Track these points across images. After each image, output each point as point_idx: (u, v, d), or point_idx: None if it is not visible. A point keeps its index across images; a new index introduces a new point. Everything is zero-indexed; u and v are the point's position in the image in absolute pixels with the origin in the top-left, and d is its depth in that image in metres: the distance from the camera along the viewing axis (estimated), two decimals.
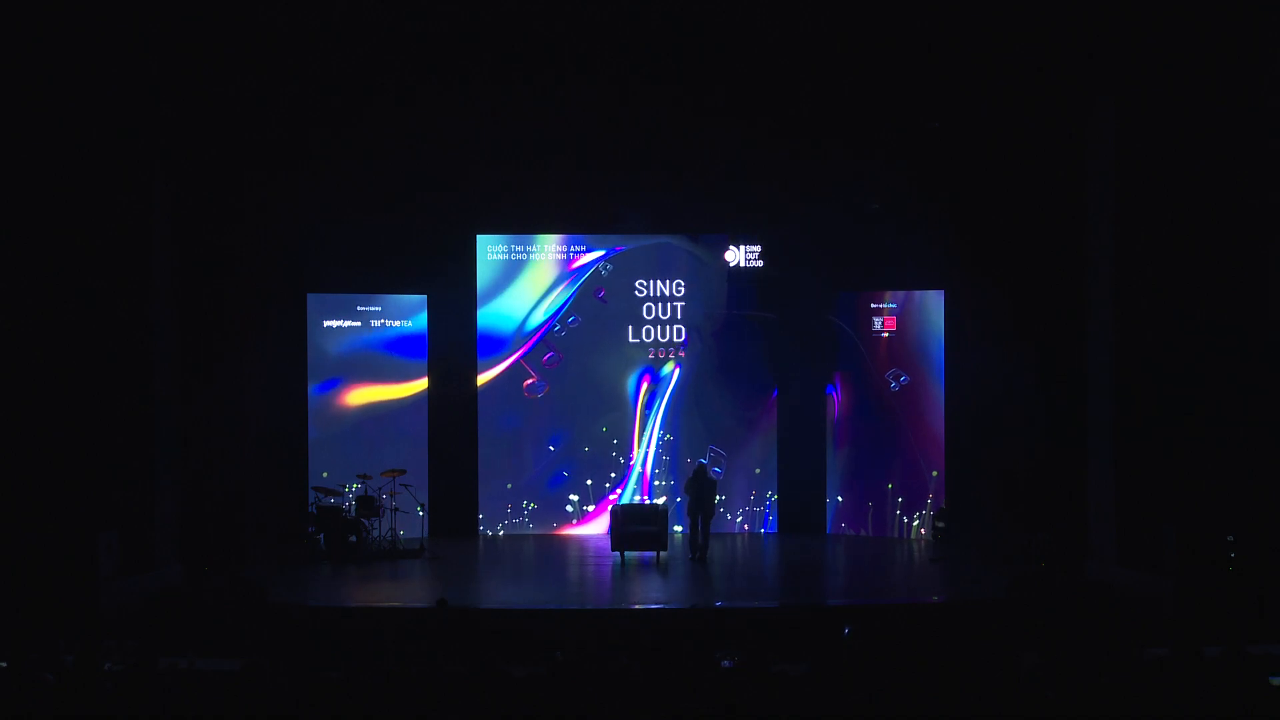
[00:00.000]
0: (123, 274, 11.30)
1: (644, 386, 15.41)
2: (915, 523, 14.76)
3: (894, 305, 14.99)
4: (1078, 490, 12.33)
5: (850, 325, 15.21)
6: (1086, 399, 12.16)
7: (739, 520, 15.36)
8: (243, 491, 13.19)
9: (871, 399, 15.04)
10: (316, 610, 10.82)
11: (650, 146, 13.82)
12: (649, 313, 15.41)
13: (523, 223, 15.24)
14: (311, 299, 14.81)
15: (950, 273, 14.46)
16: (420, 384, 15.18)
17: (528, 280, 15.32)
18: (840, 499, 15.24)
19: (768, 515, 15.38)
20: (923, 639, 8.06)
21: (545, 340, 15.34)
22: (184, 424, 12.40)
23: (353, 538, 13.49)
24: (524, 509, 15.27)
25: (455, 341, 15.17)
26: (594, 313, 15.38)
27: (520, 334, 15.31)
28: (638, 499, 15.12)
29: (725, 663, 7.15)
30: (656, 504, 14.41)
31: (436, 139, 13.53)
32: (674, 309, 15.41)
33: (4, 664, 6.95)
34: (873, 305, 15.09)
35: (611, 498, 15.16)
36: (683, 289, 15.40)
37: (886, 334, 15.01)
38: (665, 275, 15.39)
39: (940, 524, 14.34)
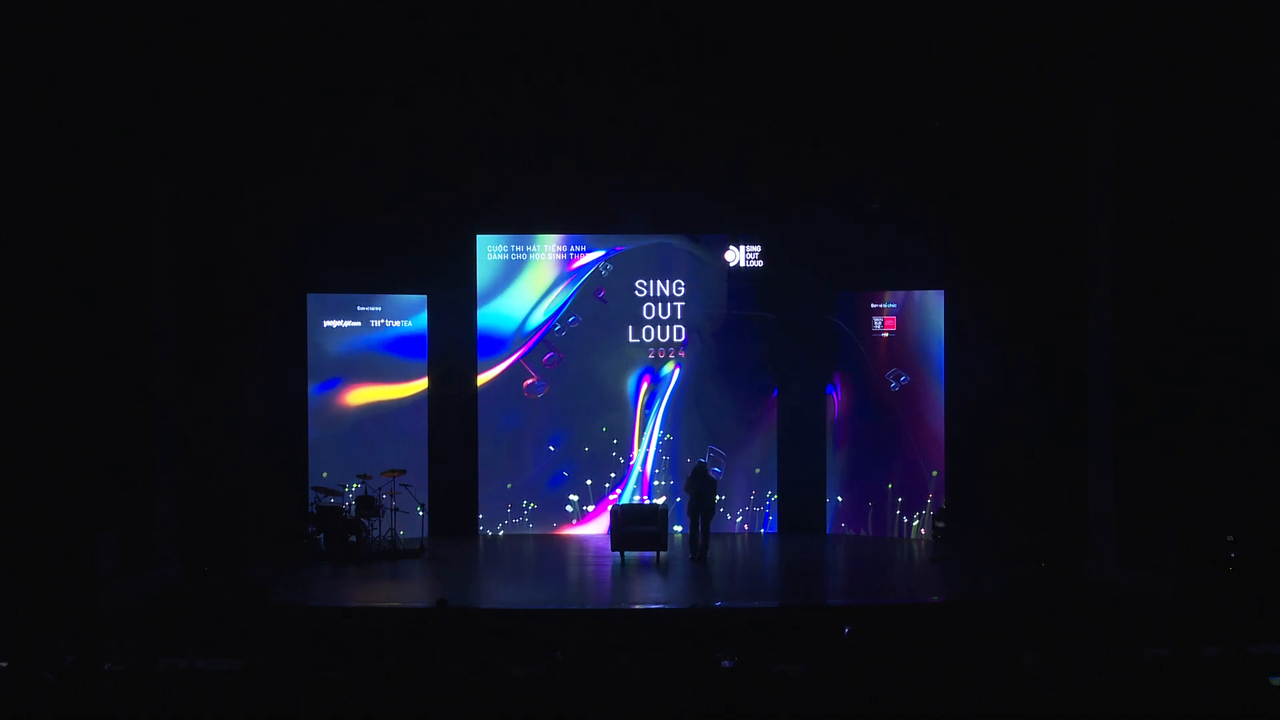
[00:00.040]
0: (123, 274, 11.30)
1: (644, 386, 15.41)
2: (915, 523, 14.77)
3: (894, 305, 14.99)
4: (1078, 490, 12.33)
5: (850, 325, 15.21)
6: (1086, 399, 12.16)
7: (739, 520, 15.37)
8: (243, 491, 13.19)
9: (871, 399, 15.04)
10: (316, 610, 10.82)
11: (650, 146, 13.82)
12: (649, 313, 15.41)
13: (523, 223, 15.24)
14: (311, 299, 14.81)
15: (950, 273, 14.46)
16: (420, 384, 15.18)
17: (528, 280, 15.32)
18: (840, 499, 15.24)
19: (768, 515, 15.38)
20: (923, 639, 8.07)
21: (545, 340, 15.34)
22: (184, 424, 12.40)
23: (353, 538, 13.49)
24: (524, 509, 15.28)
25: (455, 341, 15.17)
26: (594, 313, 15.39)
27: (520, 334, 15.31)
28: (638, 499, 15.12)
29: (725, 663, 7.15)
30: (656, 504, 14.41)
31: (436, 139, 13.53)
32: (674, 309, 15.41)
33: (4, 664, 6.95)
34: (873, 305, 15.09)
35: (611, 498, 15.16)
36: (683, 289, 15.40)
37: (886, 334, 15.01)
38: (665, 275, 15.39)
39: (940, 524, 14.35)
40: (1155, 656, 7.19)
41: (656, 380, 15.42)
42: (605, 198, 14.84)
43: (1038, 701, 6.29)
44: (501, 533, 15.20)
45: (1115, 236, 11.51)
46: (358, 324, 15.04)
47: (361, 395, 14.97)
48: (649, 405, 15.39)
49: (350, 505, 13.96)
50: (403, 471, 14.07)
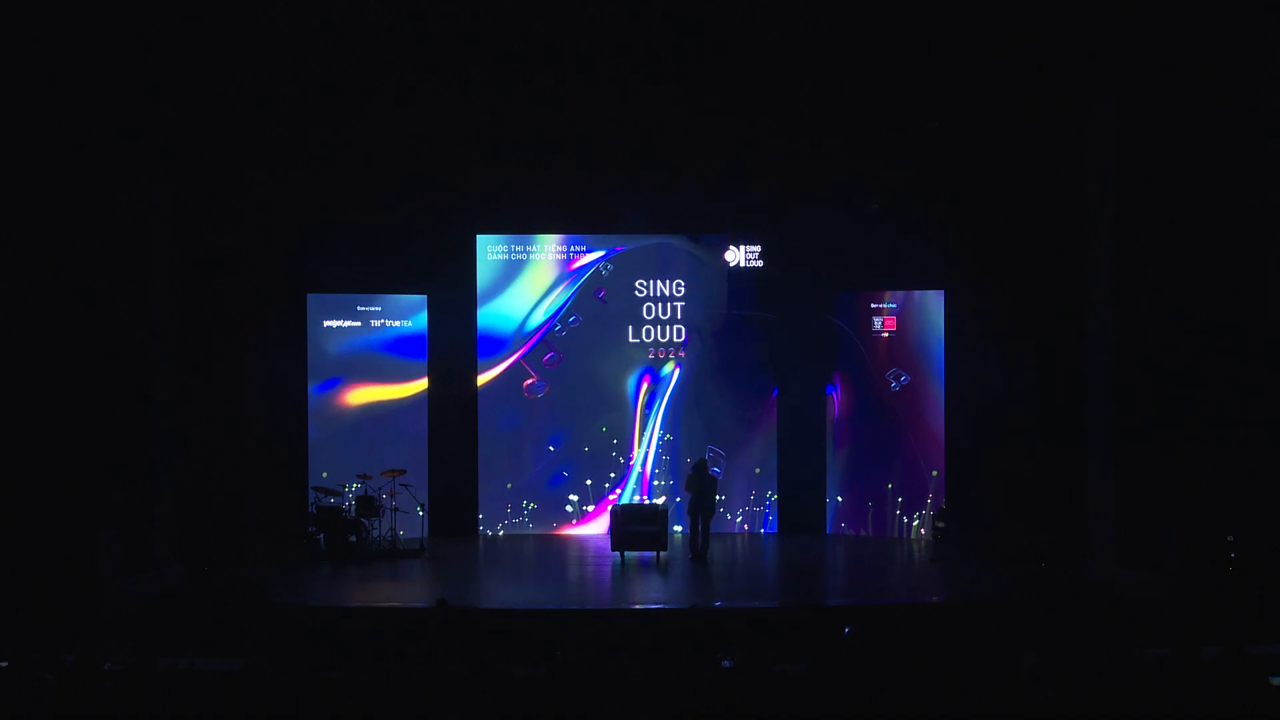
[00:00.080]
0: (123, 274, 11.29)
1: (644, 386, 15.41)
2: (915, 523, 14.77)
3: (894, 305, 14.99)
4: (1078, 490, 12.33)
5: (850, 325, 15.21)
6: (1086, 399, 12.16)
7: (739, 520, 15.36)
8: (243, 491, 13.19)
9: (871, 399, 15.04)
10: (316, 610, 10.82)
11: (650, 146, 13.82)
12: (649, 313, 15.41)
13: (523, 223, 15.24)
14: (311, 299, 14.81)
15: (950, 273, 14.45)
16: (420, 384, 15.18)
17: (528, 280, 15.32)
18: (840, 499, 15.24)
19: (768, 515, 15.38)
20: (923, 639, 8.06)
21: (545, 340, 15.34)
22: (184, 424, 12.40)
23: (353, 538, 13.49)
24: (524, 509, 15.28)
25: (455, 341, 15.17)
26: (594, 313, 15.39)
27: (520, 334, 15.31)
28: (637, 499, 15.12)
29: (725, 663, 7.15)
30: (656, 504, 14.41)
31: (436, 139, 13.52)
32: (674, 309, 15.41)
33: (4, 664, 6.95)
34: (873, 305, 15.09)
35: (611, 498, 15.16)
36: (683, 289, 15.40)
37: (886, 334, 15.01)
38: (665, 275, 15.39)
39: (940, 524, 14.35)
40: (1155, 656, 7.19)
41: (656, 380, 15.42)
42: (605, 198, 14.84)
43: (1038, 701, 6.29)
44: (501, 533, 15.20)
45: (1115, 236, 11.51)
46: (358, 324, 15.04)
47: (361, 395, 14.97)
48: (649, 405, 15.39)
49: (350, 505, 13.96)
50: (403, 471, 14.07)
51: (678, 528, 14.65)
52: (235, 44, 11.23)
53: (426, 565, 13.18)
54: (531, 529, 15.25)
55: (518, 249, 15.31)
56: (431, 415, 15.15)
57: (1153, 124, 11.13)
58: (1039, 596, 10.63)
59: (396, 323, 15.13)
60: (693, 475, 13.56)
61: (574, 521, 15.30)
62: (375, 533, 13.78)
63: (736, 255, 15.28)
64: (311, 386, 14.80)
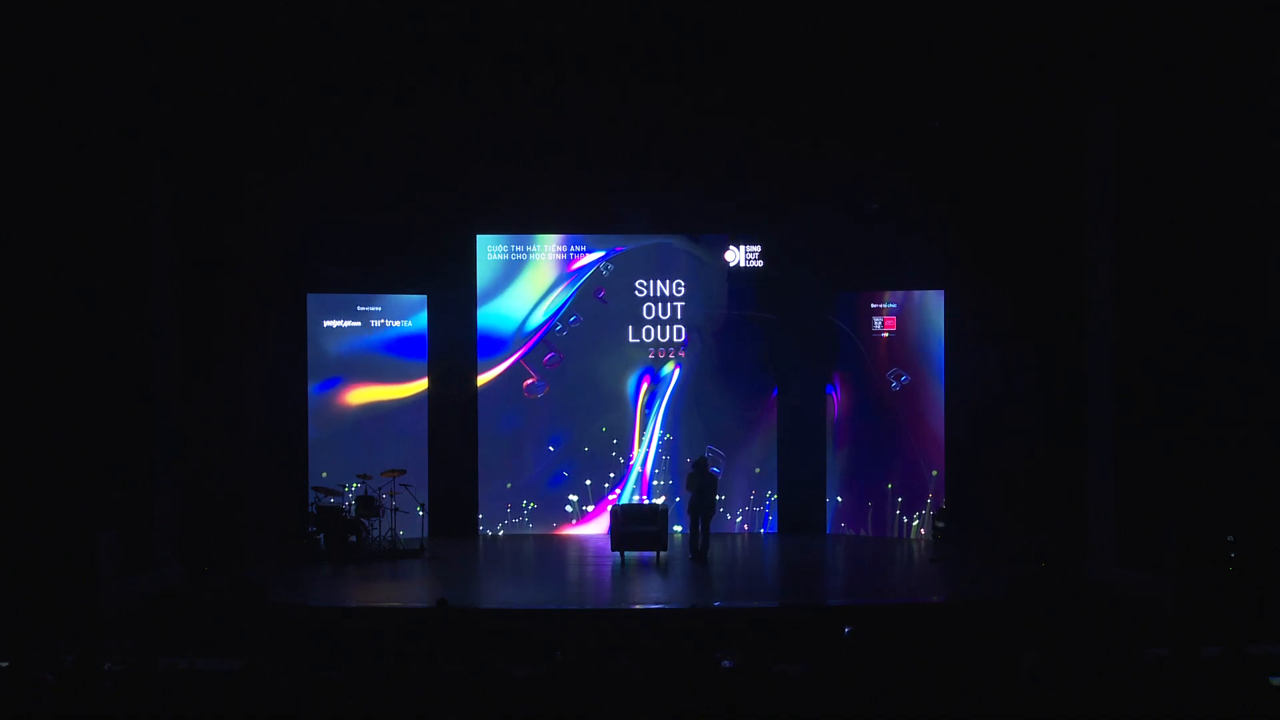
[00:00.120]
0: (123, 274, 11.29)
1: (644, 386, 15.41)
2: (915, 523, 14.77)
3: (894, 305, 14.99)
4: (1078, 490, 12.33)
5: (850, 325, 15.21)
6: (1086, 399, 12.16)
7: (739, 520, 15.36)
8: (243, 491, 13.19)
9: (871, 399, 15.04)
10: (316, 610, 10.82)
11: (650, 146, 13.82)
12: (649, 313, 15.41)
13: (523, 223, 15.23)
14: (311, 299, 14.81)
15: (950, 273, 14.45)
16: (420, 384, 15.18)
17: (528, 280, 15.32)
18: (840, 499, 15.24)
19: (768, 515, 15.38)
20: (923, 639, 8.06)
21: (546, 340, 15.34)
22: (184, 424, 12.39)
23: (353, 538, 13.49)
24: (524, 509, 15.28)
25: (455, 341, 15.17)
26: (594, 313, 15.39)
27: (520, 334, 15.31)
28: (637, 499, 15.12)
29: (725, 663, 7.15)
30: (656, 504, 14.41)
31: (436, 139, 13.52)
32: (674, 309, 15.41)
33: (4, 664, 6.95)
34: (873, 305, 15.09)
35: (611, 498, 15.16)
36: (683, 289, 15.40)
37: (886, 334, 15.01)
38: (665, 275, 15.39)
39: (940, 524, 14.34)
40: (1155, 656, 7.19)
41: (656, 380, 15.42)
42: (605, 198, 14.84)
43: (1038, 701, 6.29)
44: (501, 533, 15.20)
45: (1115, 236, 11.51)
46: (358, 324, 15.04)
47: (361, 395, 14.97)
48: (649, 405, 15.39)
49: (350, 505, 13.96)
50: (403, 471, 14.07)
51: (678, 528, 14.65)
52: (235, 44, 11.23)
53: (426, 565, 13.18)
54: (531, 529, 15.25)
55: (518, 249, 15.31)
56: (431, 415, 15.15)
57: (1153, 124, 11.13)
58: (1039, 596, 10.63)
59: (396, 323, 15.13)
60: (693, 473, 13.56)
61: (574, 521, 15.30)
62: (375, 533, 13.78)
63: (736, 255, 15.28)
64: (311, 386, 14.80)
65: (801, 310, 15.17)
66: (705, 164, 14.23)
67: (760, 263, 15.25)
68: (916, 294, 14.88)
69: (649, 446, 15.36)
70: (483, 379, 15.24)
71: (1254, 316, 10.89)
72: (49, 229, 10.88)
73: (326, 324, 14.94)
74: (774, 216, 15.07)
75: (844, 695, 6.29)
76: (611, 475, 15.34)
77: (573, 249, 15.35)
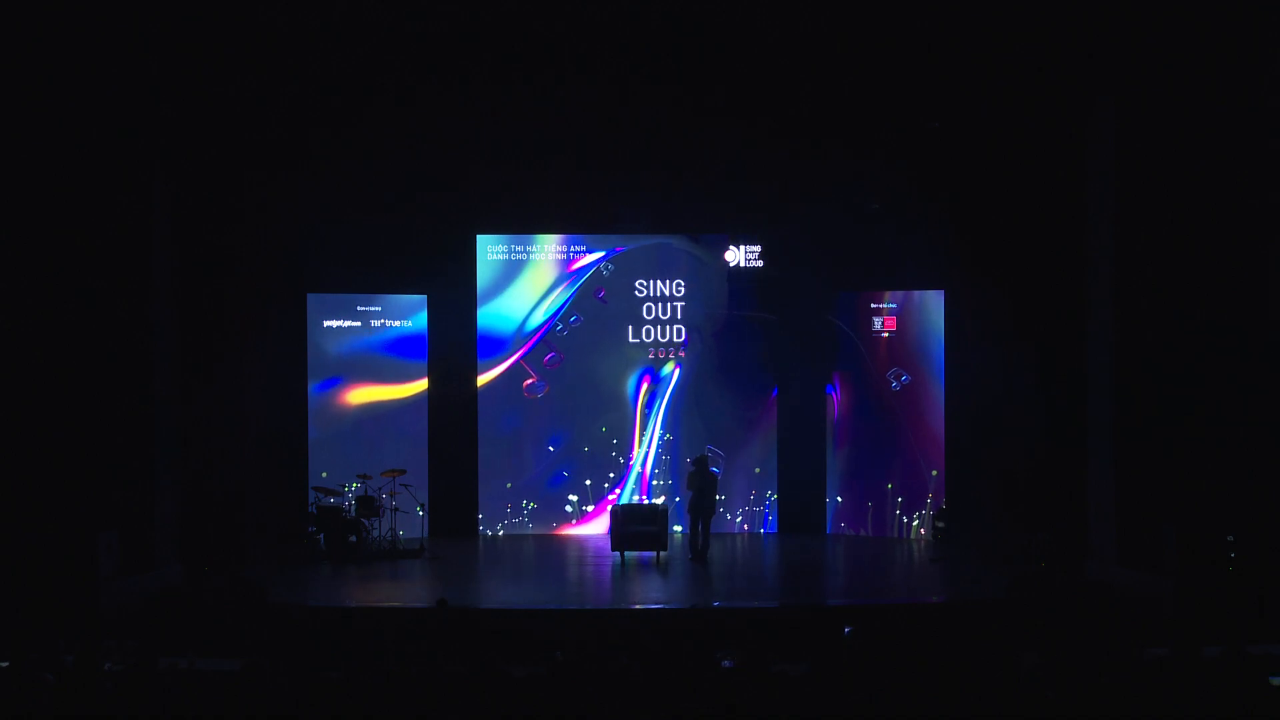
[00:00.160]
0: (123, 274, 11.29)
1: (644, 386, 15.41)
2: (915, 523, 14.77)
3: (894, 305, 14.99)
4: (1078, 490, 12.33)
5: (850, 325, 15.21)
6: (1086, 399, 12.16)
7: (739, 520, 15.36)
8: (243, 491, 13.19)
9: (871, 399, 15.04)
10: (316, 610, 10.82)
11: (650, 146, 13.82)
12: (649, 313, 15.41)
13: (523, 223, 15.23)
14: (311, 299, 14.81)
15: (950, 273, 14.45)
16: (420, 384, 15.18)
17: (528, 280, 15.32)
18: (840, 499, 15.24)
19: (767, 515, 15.38)
20: (923, 639, 8.07)
21: (546, 340, 15.34)
22: (184, 424, 12.40)
23: (353, 538, 13.49)
24: (524, 509, 15.28)
25: (455, 341, 15.17)
26: (594, 313, 15.39)
27: (520, 334, 15.31)
28: (637, 499, 15.12)
29: (725, 663, 7.15)
30: (656, 504, 14.41)
31: (436, 139, 13.52)
32: (674, 309, 15.41)
33: (4, 664, 6.95)
34: (873, 305, 15.09)
35: (611, 498, 15.16)
36: (683, 289, 15.40)
37: (886, 334, 15.01)
38: (665, 275, 15.39)
39: (940, 524, 14.34)
40: (1155, 656, 7.19)
41: (656, 380, 15.42)
42: (605, 198, 14.84)
43: (1038, 701, 6.29)
44: (501, 533, 15.20)
45: (1115, 236, 11.51)
46: (358, 324, 15.04)
47: (361, 395, 14.97)
48: (649, 405, 15.39)
49: (350, 505, 13.96)
50: (403, 471, 14.07)
51: (678, 528, 14.65)
52: (235, 44, 11.23)
53: (426, 565, 13.18)
54: (531, 529, 15.25)
55: (518, 249, 15.31)
56: (431, 415, 15.15)
57: (1153, 124, 11.13)
58: (1039, 596, 10.63)
59: (396, 323, 15.13)
60: (694, 472, 13.56)
61: (574, 521, 15.31)
62: (375, 533, 13.78)
63: (736, 255, 15.28)
64: (311, 386, 14.80)
65: (801, 310, 15.17)
66: (705, 164, 14.23)
67: (760, 263, 15.25)
68: (916, 294, 14.88)
69: (649, 446, 15.36)
70: (483, 379, 15.24)
71: (1254, 316, 10.89)
72: (49, 229, 10.88)
73: (326, 324, 14.94)
74: (774, 216, 15.06)
75: (844, 695, 6.29)
76: (611, 475, 15.34)
77: (573, 249, 15.35)
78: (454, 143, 13.57)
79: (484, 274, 15.24)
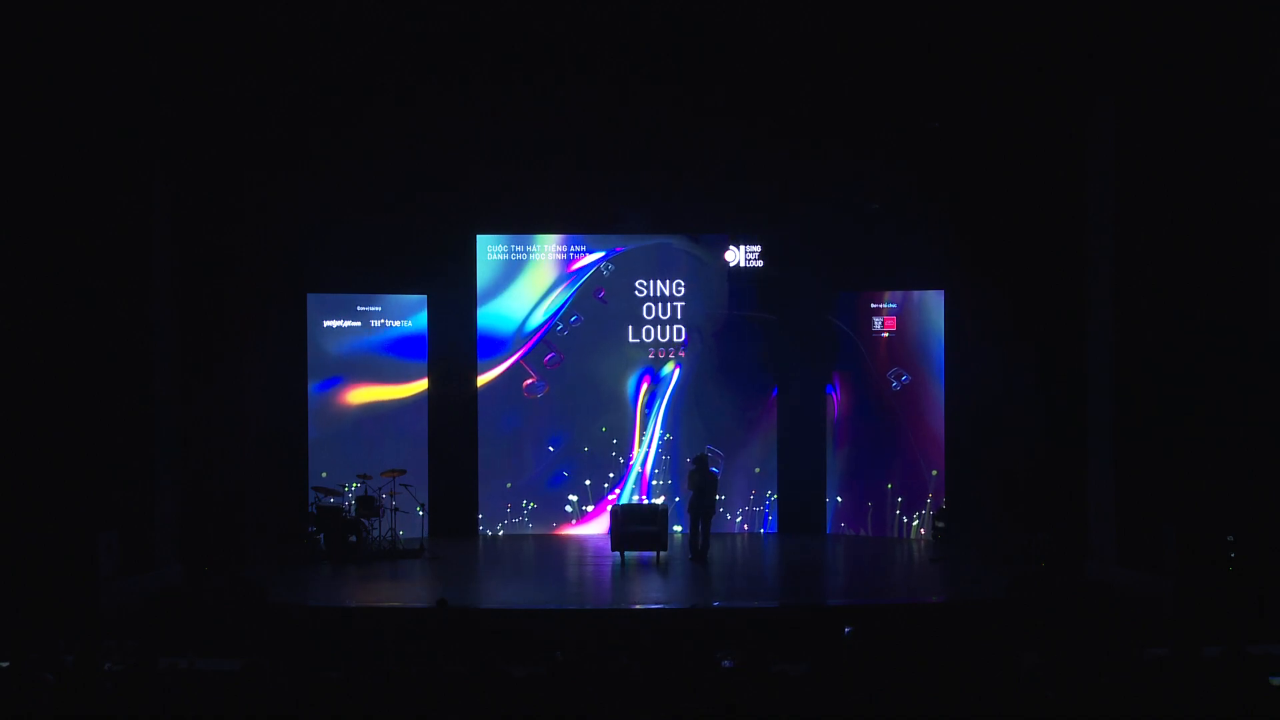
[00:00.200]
0: (123, 274, 11.29)
1: (644, 387, 15.41)
2: (915, 523, 14.76)
3: (894, 305, 14.99)
4: (1078, 490, 12.33)
5: (850, 325, 15.21)
6: (1086, 399, 12.16)
7: (739, 520, 15.36)
8: (243, 491, 13.19)
9: (871, 399, 15.04)
10: (316, 610, 10.82)
11: (650, 146, 13.81)
12: (649, 313, 15.41)
13: (523, 223, 15.23)
14: (311, 299, 14.81)
15: (950, 273, 14.45)
16: (420, 384, 15.17)
17: (528, 280, 15.32)
18: (840, 499, 15.24)
19: (767, 515, 15.38)
20: (923, 639, 8.07)
21: (546, 340, 15.34)
22: (184, 424, 12.40)
23: (353, 538, 13.49)
24: (524, 509, 15.28)
25: (455, 341, 15.17)
26: (594, 313, 15.39)
27: (520, 334, 15.31)
28: (637, 499, 15.12)
29: (725, 663, 7.15)
30: (656, 504, 14.40)
31: (436, 139, 13.52)
32: (674, 309, 15.41)
33: (4, 664, 6.95)
34: (873, 305, 15.09)
35: (611, 498, 15.16)
36: (683, 289, 15.40)
37: (886, 334, 15.01)
38: (665, 275, 15.39)
39: (940, 524, 14.34)
40: (1155, 656, 7.19)
41: (656, 380, 15.42)
42: (605, 198, 14.84)
43: (1038, 701, 6.29)
44: (501, 533, 15.19)
45: (1115, 236, 11.51)
46: (358, 324, 15.04)
47: (361, 395, 14.97)
48: (649, 405, 15.39)
49: (350, 505, 13.96)
50: (403, 471, 14.07)
51: (677, 528, 14.65)
52: (235, 44, 11.23)
53: (426, 565, 13.18)
54: (531, 529, 15.25)
55: (518, 249, 15.31)
56: (431, 415, 15.15)
57: (1153, 124, 11.13)
58: (1039, 596, 10.63)
59: (396, 323, 15.13)
60: (694, 471, 13.56)
61: (574, 521, 15.30)
62: (375, 533, 13.78)
63: (736, 255, 15.28)
64: (311, 386, 14.80)
65: (801, 310, 15.17)
66: (705, 164, 14.23)
67: (760, 263, 15.25)
68: (916, 294, 14.88)
69: (649, 446, 15.36)
70: (483, 379, 15.24)
71: (1254, 316, 10.89)
72: (49, 229, 10.88)
73: (326, 324, 14.94)
74: (774, 216, 15.06)
75: (844, 695, 6.29)
76: (611, 475, 15.34)
77: (573, 249, 15.35)
78: (454, 143, 13.57)
79: (484, 274, 15.24)
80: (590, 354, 15.37)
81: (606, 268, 15.34)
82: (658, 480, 15.33)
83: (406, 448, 14.86)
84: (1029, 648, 7.45)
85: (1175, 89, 10.93)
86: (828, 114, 12.95)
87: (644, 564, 13.23)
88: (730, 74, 12.11)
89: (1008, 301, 13.53)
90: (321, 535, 13.56)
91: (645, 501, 14.98)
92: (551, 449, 15.35)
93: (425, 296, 15.15)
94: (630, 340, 15.39)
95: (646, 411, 15.39)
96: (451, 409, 15.14)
